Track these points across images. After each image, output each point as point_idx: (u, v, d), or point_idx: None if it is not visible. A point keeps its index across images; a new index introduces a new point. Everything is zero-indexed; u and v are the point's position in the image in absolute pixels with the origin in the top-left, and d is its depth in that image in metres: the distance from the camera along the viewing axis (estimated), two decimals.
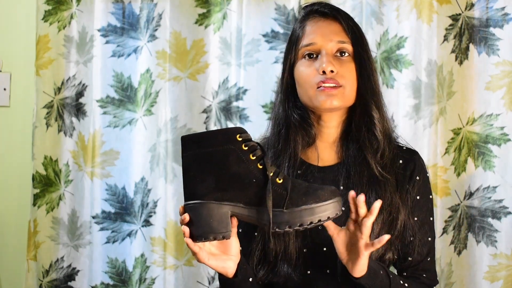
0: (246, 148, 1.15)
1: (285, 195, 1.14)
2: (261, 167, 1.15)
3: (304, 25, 1.37)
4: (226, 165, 1.15)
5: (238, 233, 1.37)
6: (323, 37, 1.33)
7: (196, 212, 1.15)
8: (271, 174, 1.14)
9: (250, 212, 1.15)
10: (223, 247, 1.22)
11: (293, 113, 1.36)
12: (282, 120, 1.37)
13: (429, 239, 1.35)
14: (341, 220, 1.22)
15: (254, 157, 1.15)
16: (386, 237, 1.15)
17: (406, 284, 1.29)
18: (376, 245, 1.16)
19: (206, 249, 1.19)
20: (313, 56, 1.33)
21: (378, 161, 1.32)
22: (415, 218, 1.34)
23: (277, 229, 1.13)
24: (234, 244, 1.22)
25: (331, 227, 1.19)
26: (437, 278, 1.39)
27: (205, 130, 1.18)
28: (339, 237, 1.19)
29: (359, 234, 1.16)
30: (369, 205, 1.27)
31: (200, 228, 1.15)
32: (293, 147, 1.35)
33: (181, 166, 1.19)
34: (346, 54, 1.33)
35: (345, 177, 1.33)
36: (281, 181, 1.15)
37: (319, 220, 1.13)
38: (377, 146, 1.33)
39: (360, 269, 1.18)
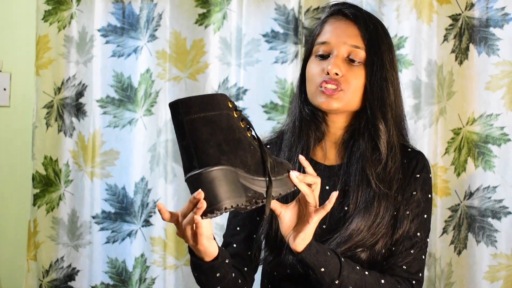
0: (237, 115, 1.13)
1: (272, 163, 1.14)
2: (249, 135, 1.13)
3: (325, 22, 1.37)
4: (231, 129, 1.10)
5: (236, 231, 1.38)
6: (338, 38, 1.32)
7: (221, 178, 1.06)
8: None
9: (247, 179, 1.11)
10: (206, 226, 1.16)
11: (305, 107, 1.36)
12: (297, 113, 1.38)
13: (418, 234, 1.33)
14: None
15: (243, 125, 1.13)
16: (335, 194, 1.17)
17: (366, 272, 1.26)
18: (327, 207, 1.17)
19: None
20: (324, 56, 1.33)
21: (378, 174, 1.30)
22: (407, 212, 1.32)
23: (273, 195, 1.13)
24: (209, 223, 1.18)
25: (277, 206, 1.19)
26: (421, 275, 1.34)
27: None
28: (286, 213, 1.20)
29: (309, 201, 1.17)
30: (359, 217, 1.29)
31: (227, 193, 1.06)
32: (306, 140, 1.35)
33: (180, 132, 1.09)
34: (358, 60, 1.31)
35: (342, 180, 1.33)
36: (268, 159, 1.15)
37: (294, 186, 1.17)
38: (379, 158, 1.31)
39: (302, 238, 1.17)
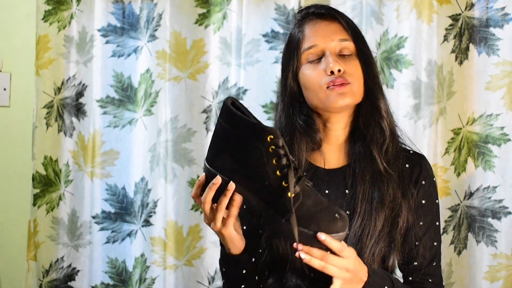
0: (271, 151, 1.13)
1: (289, 210, 1.12)
2: (279, 174, 1.13)
3: (303, 28, 1.35)
4: (246, 156, 1.14)
5: (242, 230, 1.37)
6: (325, 37, 1.32)
7: (211, 179, 1.17)
8: (287, 185, 1.12)
9: (258, 202, 1.15)
10: (236, 224, 1.23)
11: (298, 119, 1.35)
12: (286, 128, 1.35)
13: (435, 243, 1.34)
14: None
15: (276, 163, 1.13)
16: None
17: None
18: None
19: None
20: (315, 60, 1.32)
21: (383, 157, 1.31)
22: (421, 223, 1.33)
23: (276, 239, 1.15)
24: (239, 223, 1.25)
25: None
26: (443, 283, 1.37)
27: (243, 114, 1.17)
28: None
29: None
30: (371, 200, 1.29)
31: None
32: (297, 154, 1.33)
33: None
34: (349, 52, 1.32)
35: (347, 183, 1.32)
36: (292, 195, 1.12)
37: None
38: (383, 140, 1.32)
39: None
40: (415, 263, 1.33)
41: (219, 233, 1.21)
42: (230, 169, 1.15)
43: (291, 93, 1.36)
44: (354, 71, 1.31)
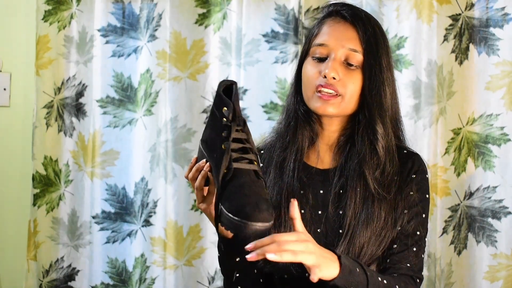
0: (224, 124, 1.14)
1: (219, 183, 1.11)
2: (223, 147, 1.12)
3: (323, 22, 1.35)
4: (212, 129, 1.18)
5: None
6: (336, 41, 1.31)
7: (199, 152, 1.23)
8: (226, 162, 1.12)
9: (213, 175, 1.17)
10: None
11: (300, 107, 1.36)
12: (292, 112, 1.37)
13: (418, 233, 1.32)
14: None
15: (225, 136, 1.13)
16: (294, 201, 1.13)
17: (384, 281, 1.24)
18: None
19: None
20: (321, 58, 1.31)
21: (377, 178, 1.30)
22: (405, 211, 1.31)
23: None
24: None
25: None
26: (422, 273, 1.34)
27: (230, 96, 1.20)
28: None
29: None
30: (358, 220, 1.28)
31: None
32: (301, 141, 1.35)
33: None
34: (355, 64, 1.30)
35: (337, 184, 1.32)
36: (225, 171, 1.11)
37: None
38: (378, 162, 1.30)
39: (330, 273, 1.12)
40: (394, 246, 1.31)
41: (204, 212, 1.24)
42: (205, 143, 1.18)
43: (297, 80, 1.37)
44: (350, 83, 1.29)
